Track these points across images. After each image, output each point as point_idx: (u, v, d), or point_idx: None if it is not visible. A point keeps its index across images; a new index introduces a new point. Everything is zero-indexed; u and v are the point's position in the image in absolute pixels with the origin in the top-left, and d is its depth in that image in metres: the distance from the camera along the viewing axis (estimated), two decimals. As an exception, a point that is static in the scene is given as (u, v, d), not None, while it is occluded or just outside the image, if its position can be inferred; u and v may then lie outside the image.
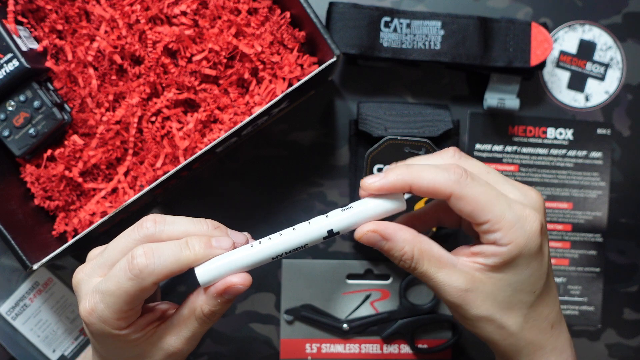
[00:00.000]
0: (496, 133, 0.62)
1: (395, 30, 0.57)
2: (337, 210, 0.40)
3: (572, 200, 0.63)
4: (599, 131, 0.62)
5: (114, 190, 0.55)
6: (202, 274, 0.39)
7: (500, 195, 0.39)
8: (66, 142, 0.54)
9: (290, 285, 0.62)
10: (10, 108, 0.53)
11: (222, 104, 0.54)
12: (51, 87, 0.54)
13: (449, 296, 0.40)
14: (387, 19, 0.57)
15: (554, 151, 0.62)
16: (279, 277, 0.62)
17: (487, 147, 0.62)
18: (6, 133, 0.53)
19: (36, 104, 0.52)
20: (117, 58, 0.54)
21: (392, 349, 0.62)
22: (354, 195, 0.60)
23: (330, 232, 0.40)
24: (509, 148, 0.62)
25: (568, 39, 0.62)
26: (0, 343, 0.59)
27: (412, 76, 0.62)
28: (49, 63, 0.54)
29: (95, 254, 0.42)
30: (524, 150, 0.62)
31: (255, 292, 0.62)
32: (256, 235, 0.63)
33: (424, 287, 0.62)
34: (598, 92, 0.63)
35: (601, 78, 0.63)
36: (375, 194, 0.40)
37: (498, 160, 0.62)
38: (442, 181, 0.38)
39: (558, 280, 0.63)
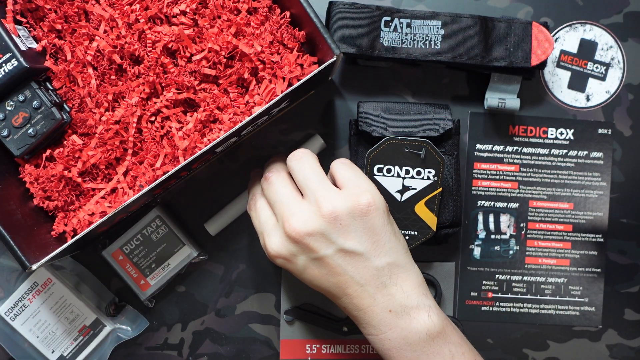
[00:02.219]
0: (497, 133, 0.62)
1: (395, 29, 0.57)
2: None
3: (572, 201, 0.62)
4: (600, 131, 0.62)
5: (113, 190, 0.55)
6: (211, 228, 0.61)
7: None
8: (65, 142, 0.54)
9: (290, 286, 0.62)
10: (9, 108, 0.53)
11: (222, 104, 0.54)
12: (50, 87, 0.54)
13: None
14: (387, 18, 0.57)
15: (554, 151, 0.62)
16: (279, 278, 0.62)
17: (488, 147, 0.62)
18: (5, 133, 0.53)
19: (35, 103, 0.52)
20: (117, 58, 0.54)
21: (393, 349, 0.62)
22: (354, 195, 0.60)
23: None
24: (509, 148, 0.62)
25: (569, 38, 0.62)
26: (-1, 343, 0.59)
27: (413, 76, 0.62)
28: (48, 63, 0.54)
29: None
30: (525, 150, 0.62)
31: (255, 292, 0.62)
32: (257, 236, 0.63)
33: (425, 288, 0.62)
34: (599, 91, 0.62)
35: (602, 78, 0.62)
36: None
37: (499, 161, 0.62)
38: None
39: (559, 280, 0.63)
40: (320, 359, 0.62)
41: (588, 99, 0.63)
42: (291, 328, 0.62)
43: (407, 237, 0.57)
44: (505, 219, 0.62)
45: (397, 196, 0.56)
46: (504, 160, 0.62)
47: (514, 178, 0.62)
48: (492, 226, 0.62)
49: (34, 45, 0.54)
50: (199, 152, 0.49)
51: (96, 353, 0.59)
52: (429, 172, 0.56)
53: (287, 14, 0.54)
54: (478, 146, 0.62)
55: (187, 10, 0.54)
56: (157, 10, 0.53)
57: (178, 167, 0.49)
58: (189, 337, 0.62)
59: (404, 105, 0.59)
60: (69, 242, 0.49)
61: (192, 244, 0.59)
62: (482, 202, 0.62)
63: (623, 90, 0.62)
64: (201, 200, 0.61)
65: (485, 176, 0.62)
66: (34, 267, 0.49)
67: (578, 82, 0.62)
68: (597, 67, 0.62)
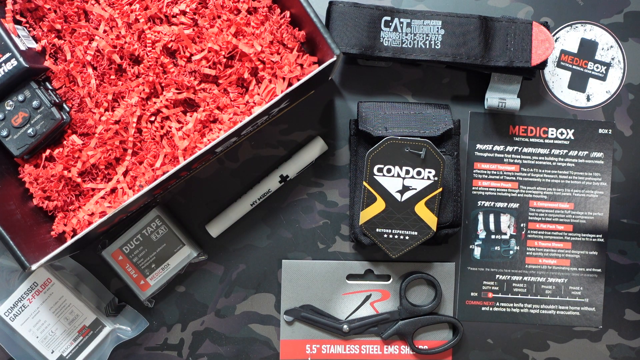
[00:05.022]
0: (497, 133, 0.62)
1: (395, 29, 0.57)
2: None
3: (573, 201, 0.62)
4: (601, 131, 0.62)
5: (113, 190, 0.55)
6: (213, 230, 0.60)
7: None
8: (65, 142, 0.54)
9: (290, 286, 0.61)
10: (8, 108, 0.53)
11: (222, 104, 0.54)
12: (50, 87, 0.54)
13: None
14: (388, 18, 0.57)
15: (555, 151, 0.62)
16: (279, 278, 0.62)
17: (488, 147, 0.62)
18: (4, 133, 0.53)
19: (35, 103, 0.52)
20: (116, 57, 0.54)
21: (392, 349, 0.62)
22: (354, 195, 0.60)
23: (281, 176, 0.59)
24: (510, 148, 0.62)
25: (569, 38, 0.62)
26: (-1, 344, 0.59)
27: (413, 76, 0.62)
28: (48, 62, 0.54)
29: None
30: (525, 150, 0.62)
31: (255, 292, 0.62)
32: (257, 236, 0.63)
33: (425, 288, 0.62)
34: (599, 91, 0.62)
35: (602, 78, 0.62)
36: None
37: (499, 161, 0.62)
38: None
39: (559, 280, 0.63)
40: (320, 359, 0.62)
41: (588, 99, 0.62)
42: (291, 328, 0.62)
43: (407, 237, 0.57)
44: (505, 219, 0.62)
45: (397, 196, 0.56)
46: (504, 160, 0.62)
47: (514, 178, 0.62)
48: (492, 226, 0.62)
49: (33, 45, 0.54)
50: (199, 152, 0.49)
51: (96, 353, 0.59)
52: (429, 172, 0.56)
53: (287, 14, 0.54)
54: (478, 146, 0.62)
55: (187, 10, 0.53)
56: (157, 10, 0.53)
57: (178, 167, 0.49)
58: (188, 337, 0.62)
59: (404, 105, 0.59)
60: (69, 242, 0.49)
61: (192, 244, 0.59)
62: (483, 202, 0.62)
63: (623, 90, 0.62)
64: (201, 200, 0.61)
65: (486, 176, 0.62)
66: (34, 267, 0.48)
67: (578, 82, 0.62)
68: (597, 67, 0.62)
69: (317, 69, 0.48)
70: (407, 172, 0.56)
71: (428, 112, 0.59)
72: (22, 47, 0.52)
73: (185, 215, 0.61)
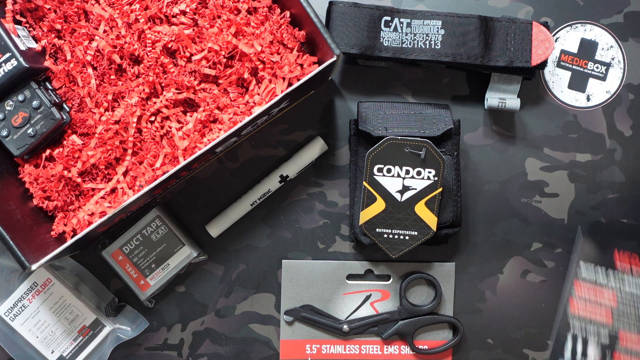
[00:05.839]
0: (603, 260, 0.61)
1: (395, 29, 0.57)
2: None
3: None
4: None
5: (113, 190, 0.55)
6: (213, 230, 0.60)
7: None
8: (65, 142, 0.54)
9: (290, 286, 0.61)
10: (8, 108, 0.53)
11: (222, 104, 0.54)
12: (50, 87, 0.54)
13: None
14: (388, 18, 0.57)
15: None
16: (279, 278, 0.62)
17: (593, 273, 0.61)
18: (4, 133, 0.53)
19: (35, 103, 0.52)
20: (116, 58, 0.54)
21: (392, 349, 0.62)
22: (354, 195, 0.60)
23: (281, 176, 0.59)
24: (613, 282, 0.61)
25: (569, 38, 0.62)
26: (-1, 344, 0.59)
27: (413, 76, 0.62)
28: (48, 62, 0.54)
29: None
30: (626, 289, 0.61)
31: (255, 292, 0.62)
32: (257, 236, 0.63)
33: (425, 288, 0.62)
34: (599, 91, 0.62)
35: (602, 78, 0.62)
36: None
37: (600, 286, 0.61)
38: None
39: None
40: (320, 359, 0.62)
41: (588, 99, 0.62)
42: (291, 328, 0.62)
43: (407, 237, 0.57)
44: (592, 349, 0.61)
45: (397, 196, 0.56)
46: (604, 286, 0.61)
47: (610, 309, 0.61)
48: (579, 356, 0.61)
49: (33, 45, 0.54)
50: (199, 152, 0.49)
51: (96, 353, 0.59)
52: (429, 172, 0.56)
53: (287, 14, 0.54)
54: (582, 264, 0.61)
55: (187, 10, 0.54)
56: (157, 10, 0.53)
57: (178, 167, 0.49)
58: (188, 337, 0.62)
59: (404, 105, 0.59)
60: (69, 242, 0.49)
61: (192, 244, 0.59)
62: (575, 324, 0.61)
63: (623, 90, 0.62)
64: (201, 200, 0.61)
65: (584, 301, 0.61)
66: (34, 267, 0.48)
67: (578, 82, 0.62)
68: (597, 67, 0.62)
69: (317, 69, 0.48)
70: (407, 172, 0.56)
71: (428, 112, 0.59)
72: (22, 47, 0.52)
73: (185, 215, 0.61)
